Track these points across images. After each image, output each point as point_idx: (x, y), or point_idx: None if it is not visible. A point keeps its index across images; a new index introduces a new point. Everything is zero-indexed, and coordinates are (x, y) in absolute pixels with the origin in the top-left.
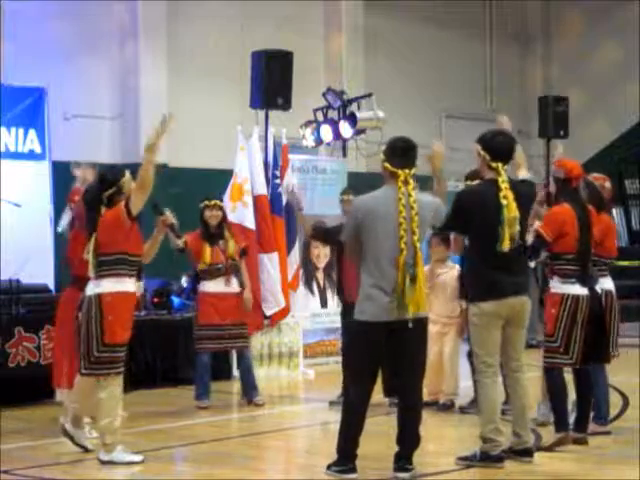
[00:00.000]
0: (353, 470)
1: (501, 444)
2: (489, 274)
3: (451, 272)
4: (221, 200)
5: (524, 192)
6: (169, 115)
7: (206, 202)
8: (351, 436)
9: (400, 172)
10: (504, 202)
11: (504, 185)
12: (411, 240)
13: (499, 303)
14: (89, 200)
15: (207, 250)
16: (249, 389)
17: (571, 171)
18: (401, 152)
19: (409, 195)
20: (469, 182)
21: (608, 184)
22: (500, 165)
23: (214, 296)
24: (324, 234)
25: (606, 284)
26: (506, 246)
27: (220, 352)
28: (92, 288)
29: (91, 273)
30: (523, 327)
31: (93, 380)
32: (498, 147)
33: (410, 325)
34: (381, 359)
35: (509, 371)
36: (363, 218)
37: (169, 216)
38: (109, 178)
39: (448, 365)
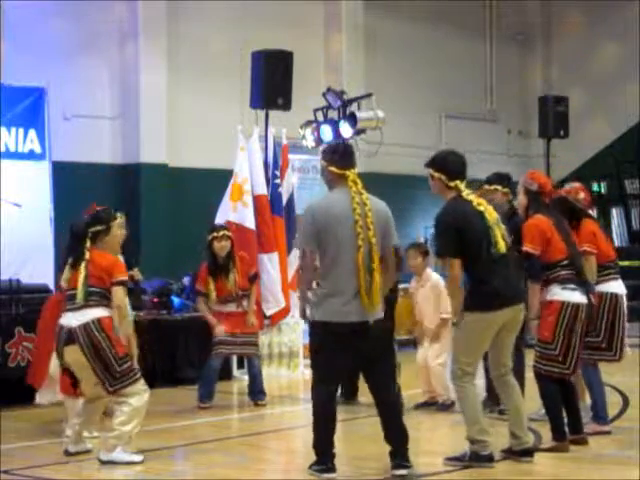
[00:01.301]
0: (332, 470)
1: (489, 443)
2: (488, 285)
3: (425, 287)
4: (226, 228)
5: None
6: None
7: (214, 233)
8: (324, 436)
9: (348, 173)
10: (481, 208)
11: (471, 197)
12: (367, 236)
13: (497, 314)
14: (75, 232)
15: (211, 286)
16: (256, 392)
17: (545, 186)
18: (343, 154)
19: (360, 193)
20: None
21: (582, 195)
22: (458, 182)
23: (228, 314)
24: None
25: (612, 288)
26: (502, 247)
27: (230, 357)
28: (84, 316)
29: (80, 299)
30: (514, 334)
31: (95, 395)
32: (453, 166)
33: (370, 323)
34: (345, 360)
35: (497, 375)
36: (323, 223)
37: (137, 273)
38: (101, 217)
39: (433, 367)
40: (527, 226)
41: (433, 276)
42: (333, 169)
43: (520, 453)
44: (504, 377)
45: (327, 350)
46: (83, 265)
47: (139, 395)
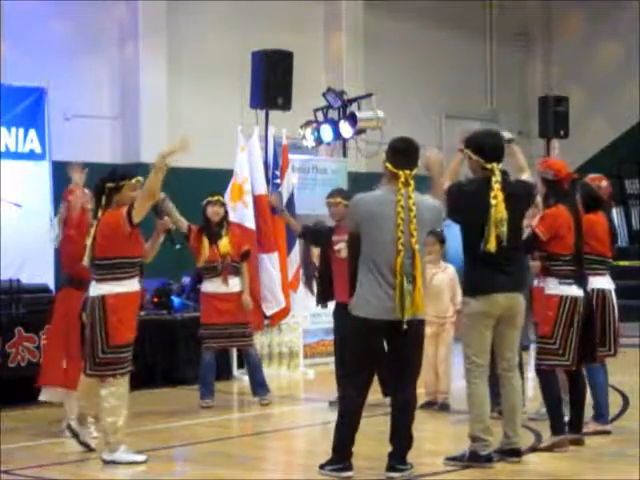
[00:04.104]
0: (349, 468)
1: (490, 443)
2: (478, 271)
3: (444, 272)
4: (221, 194)
5: (518, 192)
6: (188, 138)
7: (209, 198)
8: (347, 434)
9: (401, 173)
10: (493, 202)
11: (496, 185)
12: (409, 242)
13: (488, 301)
14: (95, 189)
15: (205, 247)
16: (257, 387)
17: (560, 172)
18: (402, 153)
19: (409, 197)
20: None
21: (604, 183)
22: (495, 165)
23: (214, 296)
24: (313, 235)
25: (599, 283)
26: (492, 246)
27: (223, 351)
28: (95, 290)
29: (85, 262)
30: (516, 327)
31: (96, 379)
32: (491, 148)
33: (405, 327)
34: (377, 357)
35: (501, 370)
36: (362, 219)
37: (168, 221)
38: (117, 173)
39: (442, 365)
40: (548, 213)
41: (450, 267)
42: (388, 166)
43: (507, 452)
44: (507, 373)
45: (362, 346)
46: (94, 227)
47: (113, 388)
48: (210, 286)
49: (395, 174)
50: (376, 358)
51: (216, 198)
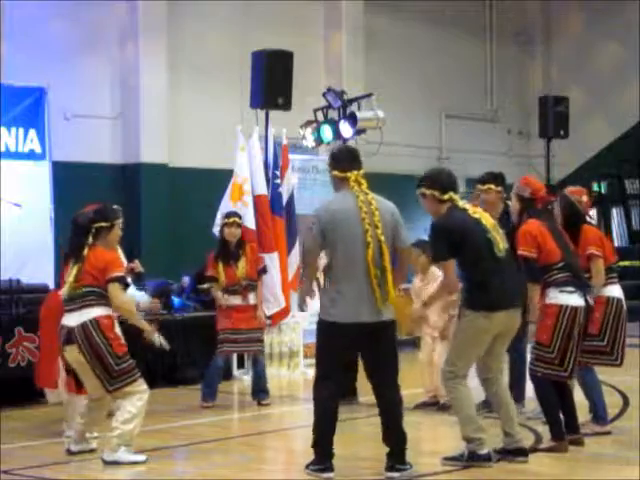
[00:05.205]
0: (330, 469)
1: (484, 441)
2: (487, 288)
3: (435, 282)
4: (237, 215)
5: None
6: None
7: (225, 220)
8: (324, 434)
9: (350, 174)
10: (477, 216)
11: (467, 206)
12: (375, 233)
13: (492, 319)
14: (78, 227)
15: (221, 272)
16: (258, 392)
17: (538, 191)
18: (344, 157)
19: (366, 193)
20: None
21: (585, 197)
22: (452, 194)
23: (232, 308)
24: None
25: (613, 292)
26: (502, 249)
27: (238, 354)
28: (82, 317)
29: (65, 294)
30: (507, 342)
31: (99, 395)
32: (445, 181)
33: (381, 323)
34: (348, 358)
35: (484, 378)
36: (327, 224)
37: (138, 265)
38: (106, 214)
39: (439, 366)
40: (520, 232)
41: (440, 274)
42: (335, 173)
43: (514, 452)
44: (492, 379)
45: (335, 349)
46: (79, 262)
47: (139, 394)
48: (230, 300)
49: (344, 177)
50: (347, 359)
51: (232, 220)
